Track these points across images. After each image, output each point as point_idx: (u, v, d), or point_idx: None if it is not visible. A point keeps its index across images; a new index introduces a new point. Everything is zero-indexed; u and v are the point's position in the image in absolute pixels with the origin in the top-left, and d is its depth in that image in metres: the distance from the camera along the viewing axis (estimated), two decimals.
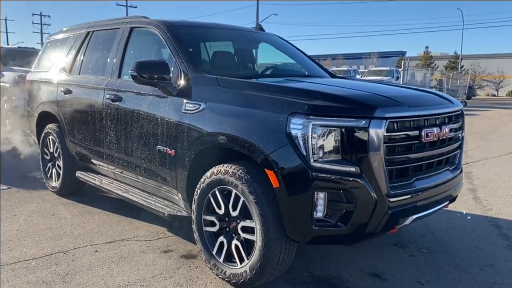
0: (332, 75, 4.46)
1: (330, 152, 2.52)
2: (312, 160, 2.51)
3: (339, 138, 2.52)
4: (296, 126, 2.54)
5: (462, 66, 50.88)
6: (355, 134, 2.51)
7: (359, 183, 2.51)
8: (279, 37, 4.72)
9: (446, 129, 2.90)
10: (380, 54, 63.67)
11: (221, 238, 2.99)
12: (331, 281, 3.03)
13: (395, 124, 2.61)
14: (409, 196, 2.69)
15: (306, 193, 2.53)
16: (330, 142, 2.52)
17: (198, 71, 3.31)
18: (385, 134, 2.53)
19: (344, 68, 31.96)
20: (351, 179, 2.51)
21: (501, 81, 55.44)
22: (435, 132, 2.79)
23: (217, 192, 2.95)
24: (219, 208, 2.97)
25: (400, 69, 24.50)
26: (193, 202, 3.11)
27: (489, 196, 5.24)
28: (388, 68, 27.83)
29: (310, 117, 2.52)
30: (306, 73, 4.36)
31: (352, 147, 2.53)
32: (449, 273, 3.19)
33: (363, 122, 2.51)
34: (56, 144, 4.96)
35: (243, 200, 2.78)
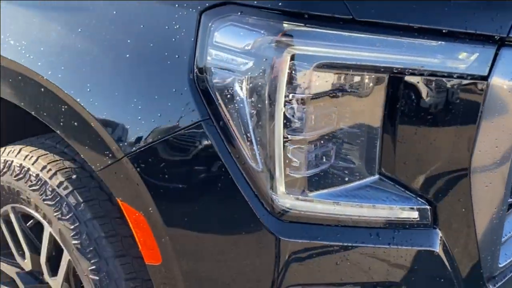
0: None
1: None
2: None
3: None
4: (233, 60, 0.69)
5: None
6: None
7: None
8: None
9: None
10: None
11: None
12: None
13: None
14: None
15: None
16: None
17: None
18: None
19: None
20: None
21: None
22: None
23: (12, 216, 1.10)
24: (19, 251, 1.14)
25: None
26: None
27: None
28: None
29: (299, 27, 0.67)
30: None
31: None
32: None
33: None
34: None
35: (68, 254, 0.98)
